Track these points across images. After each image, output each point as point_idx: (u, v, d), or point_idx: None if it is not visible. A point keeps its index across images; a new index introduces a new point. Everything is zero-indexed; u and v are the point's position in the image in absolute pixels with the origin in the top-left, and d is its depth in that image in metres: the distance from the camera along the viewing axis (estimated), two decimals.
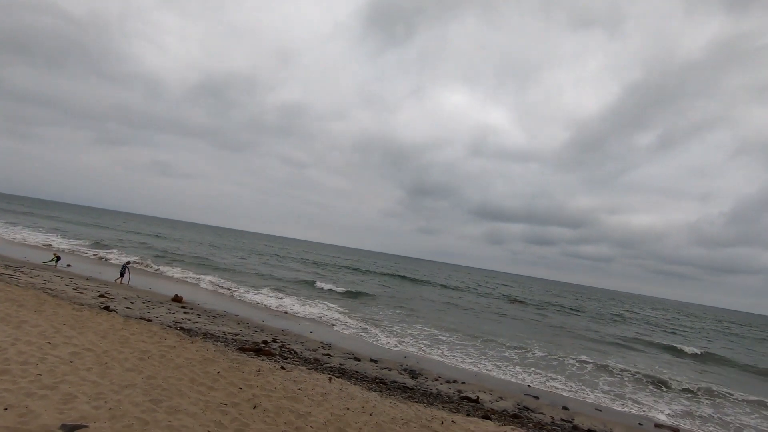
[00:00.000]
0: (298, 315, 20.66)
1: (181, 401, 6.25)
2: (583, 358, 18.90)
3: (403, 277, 58.00)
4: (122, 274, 21.20)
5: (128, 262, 22.46)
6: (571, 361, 18.10)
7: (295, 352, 12.74)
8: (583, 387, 14.68)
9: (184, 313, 15.87)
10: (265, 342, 13.33)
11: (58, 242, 35.83)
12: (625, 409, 12.86)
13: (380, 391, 10.04)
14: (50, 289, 14.86)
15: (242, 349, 11.34)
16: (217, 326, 14.50)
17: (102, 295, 15.92)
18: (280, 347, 13.02)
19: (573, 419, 11.01)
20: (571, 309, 48.34)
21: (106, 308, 13.16)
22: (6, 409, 4.93)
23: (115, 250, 36.72)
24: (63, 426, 4.76)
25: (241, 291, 25.30)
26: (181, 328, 12.64)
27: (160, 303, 17.14)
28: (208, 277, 28.45)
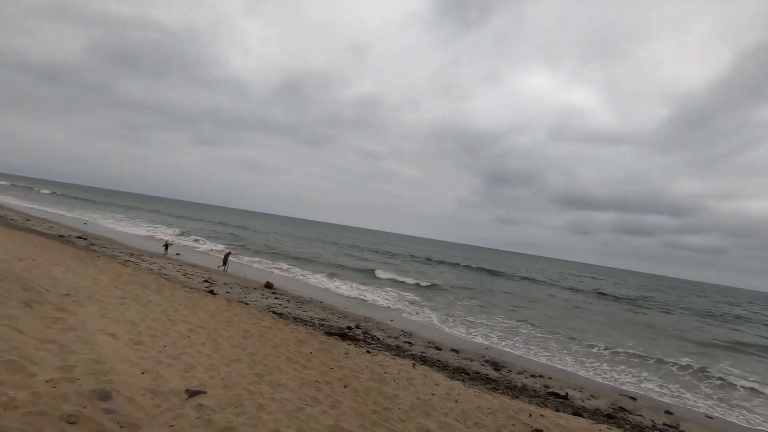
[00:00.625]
0: (377, 303, 21.27)
1: (280, 377, 6.83)
2: (686, 360, 17.07)
3: (481, 269, 56.77)
4: (225, 263, 23.46)
5: (230, 253, 24.83)
6: (671, 363, 16.44)
7: (378, 339, 13.18)
8: (685, 391, 13.20)
9: (275, 298, 17.16)
10: (350, 328, 13.97)
11: (167, 233, 40.55)
12: (742, 422, 11.42)
13: (463, 380, 10.04)
14: (165, 275, 16.94)
15: (329, 333, 12.01)
16: (305, 311, 15.49)
17: (206, 281, 17.80)
18: (363, 333, 13.56)
19: (678, 425, 10.06)
20: (671, 305, 43.73)
21: (211, 292, 14.71)
22: (143, 373, 5.78)
23: (201, 239, 40.71)
24: (187, 390, 5.47)
25: (321, 279, 26.64)
26: (274, 312, 13.71)
27: (254, 289, 18.70)
28: (292, 266, 30.37)
